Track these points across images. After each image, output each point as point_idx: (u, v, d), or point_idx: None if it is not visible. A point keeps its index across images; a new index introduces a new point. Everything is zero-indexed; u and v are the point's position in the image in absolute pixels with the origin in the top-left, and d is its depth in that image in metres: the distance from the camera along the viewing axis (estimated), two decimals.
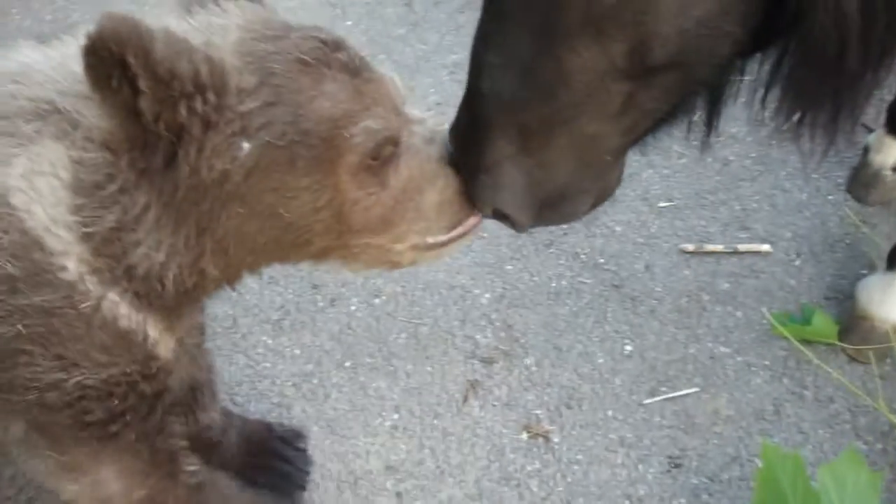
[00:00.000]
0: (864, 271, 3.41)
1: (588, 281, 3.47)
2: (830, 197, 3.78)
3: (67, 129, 1.67)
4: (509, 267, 3.52)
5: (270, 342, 3.28)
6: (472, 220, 2.05)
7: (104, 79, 1.51)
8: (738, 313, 3.33)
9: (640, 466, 2.88)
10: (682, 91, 1.85)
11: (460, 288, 3.44)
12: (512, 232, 3.50)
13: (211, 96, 1.61)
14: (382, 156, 1.82)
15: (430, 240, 1.99)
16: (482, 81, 1.83)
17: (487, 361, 3.19)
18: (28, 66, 1.75)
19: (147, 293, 1.83)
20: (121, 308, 1.81)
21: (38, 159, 1.66)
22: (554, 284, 3.45)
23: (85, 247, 1.71)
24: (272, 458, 2.84)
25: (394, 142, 1.84)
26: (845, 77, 1.79)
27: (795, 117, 1.95)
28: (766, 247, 3.56)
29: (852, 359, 3.14)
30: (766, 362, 3.17)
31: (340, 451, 2.95)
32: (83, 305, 1.75)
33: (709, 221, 3.68)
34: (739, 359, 3.19)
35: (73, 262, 1.71)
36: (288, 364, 3.21)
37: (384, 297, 3.41)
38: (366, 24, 4.85)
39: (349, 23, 4.87)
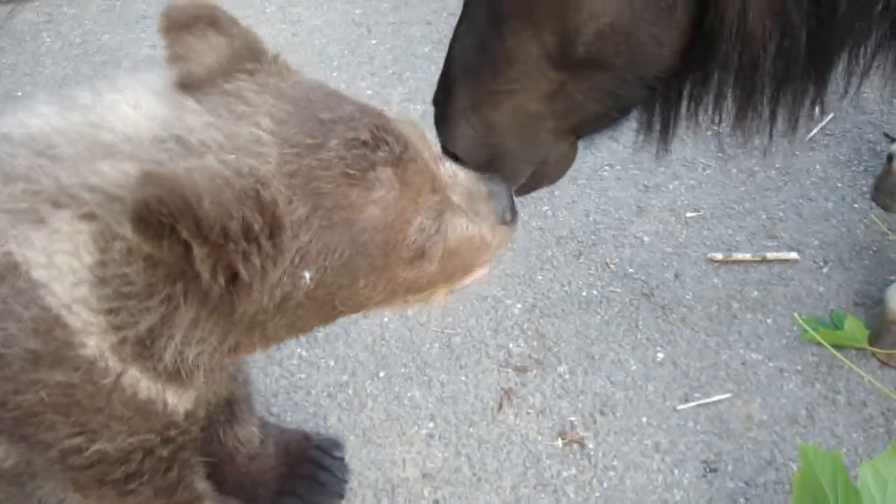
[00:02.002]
0: (893, 277, 3.42)
1: (618, 290, 3.50)
2: (856, 205, 3.81)
3: (94, 214, 1.60)
4: (540, 277, 3.55)
5: (305, 353, 3.31)
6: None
7: (155, 239, 1.45)
8: (769, 320, 3.35)
9: (675, 471, 2.89)
10: (612, 92, 2.03)
11: (492, 298, 3.47)
12: (542, 243, 3.58)
13: (266, 243, 1.56)
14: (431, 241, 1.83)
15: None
16: (452, 48, 2.13)
17: (521, 370, 3.21)
18: (53, 138, 1.66)
19: (172, 373, 1.81)
20: (141, 382, 1.79)
21: (58, 237, 1.62)
22: (584, 294, 3.48)
23: (109, 333, 1.69)
24: (310, 468, 2.85)
25: (440, 226, 1.83)
26: (765, 88, 2.01)
27: (738, 122, 2.12)
28: (793, 255, 3.58)
29: (884, 363, 3.16)
30: (798, 367, 3.19)
31: (377, 459, 2.97)
32: (103, 381, 1.73)
33: (736, 231, 3.71)
34: (771, 364, 3.20)
35: (93, 340, 1.68)
36: (322, 375, 3.24)
37: (416, 309, 3.43)
38: (391, 43, 4.91)
39: (374, 41, 4.94)
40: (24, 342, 1.64)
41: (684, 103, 2.17)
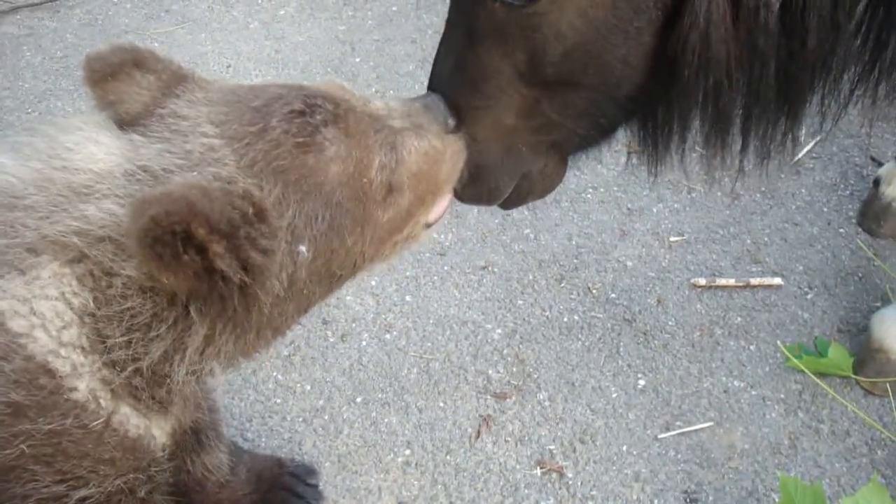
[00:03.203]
0: (878, 304, 3.39)
1: (600, 315, 3.45)
2: (842, 230, 3.77)
3: (78, 257, 1.62)
4: (521, 302, 3.50)
5: (281, 378, 3.26)
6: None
7: (173, 257, 1.48)
8: (752, 347, 3.31)
9: (655, 501, 2.85)
10: (585, 110, 2.06)
11: (472, 323, 3.42)
12: (523, 266, 3.54)
13: (262, 226, 1.60)
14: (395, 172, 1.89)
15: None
16: (434, 64, 2.16)
17: (500, 396, 3.16)
18: (21, 188, 1.66)
19: (160, 403, 1.82)
20: (131, 419, 1.78)
21: (38, 284, 1.61)
22: (566, 319, 3.43)
23: (104, 370, 1.68)
24: (284, 495, 2.81)
25: (396, 155, 1.90)
26: (732, 118, 2.02)
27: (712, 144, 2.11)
28: (778, 280, 3.54)
29: (868, 392, 3.11)
30: (781, 396, 3.14)
31: (352, 486, 2.91)
32: (93, 424, 1.70)
33: (720, 255, 3.67)
34: (754, 392, 3.16)
35: (84, 382, 1.66)
36: (298, 399, 3.19)
37: (395, 333, 3.39)
38: (374, 61, 4.87)
39: (358, 59, 4.90)
40: (4, 394, 1.60)
41: (658, 128, 2.15)
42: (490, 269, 3.64)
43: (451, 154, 2.03)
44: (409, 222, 1.99)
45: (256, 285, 1.63)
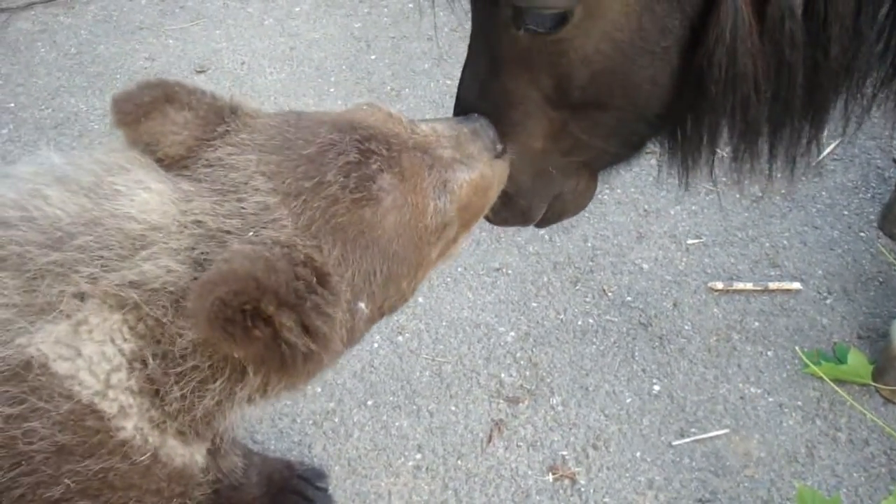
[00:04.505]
0: None
1: (615, 319, 3.40)
2: (862, 234, 3.71)
3: (129, 308, 1.57)
4: (534, 304, 3.46)
5: None
6: None
7: (242, 333, 1.45)
8: (769, 353, 3.26)
9: None
10: (615, 129, 2.04)
11: (485, 326, 3.38)
12: (538, 269, 3.49)
13: (325, 292, 1.56)
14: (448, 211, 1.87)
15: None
16: (459, 90, 2.14)
17: (512, 401, 3.12)
18: (69, 227, 1.59)
19: (210, 432, 1.80)
20: (177, 450, 1.75)
21: (86, 328, 1.56)
22: (580, 322, 3.39)
23: (153, 411, 1.65)
24: (294, 499, 2.78)
25: (449, 194, 1.86)
26: (760, 129, 2.01)
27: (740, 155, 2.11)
28: (796, 285, 3.49)
29: (887, 400, 3.06)
30: (799, 403, 3.09)
31: (362, 491, 2.88)
32: (140, 459, 1.67)
33: (738, 259, 3.61)
34: (771, 399, 3.11)
35: (131, 422, 1.63)
36: (309, 402, 3.15)
37: (407, 335, 3.35)
38: (390, 59, 4.83)
39: (373, 56, 4.86)
40: (50, 436, 1.55)
41: (687, 141, 2.11)
42: (504, 270, 3.60)
43: (498, 179, 2.01)
44: (453, 247, 1.98)
45: (321, 349, 1.58)
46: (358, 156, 1.68)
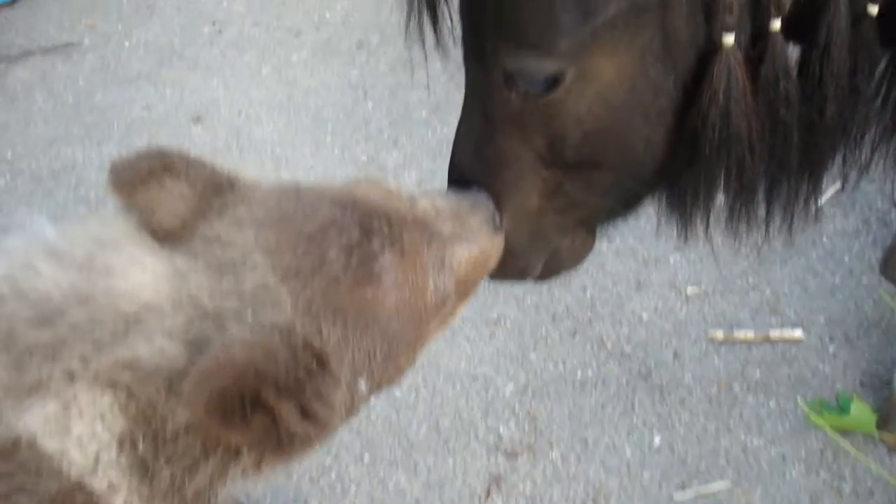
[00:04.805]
0: None
1: (615, 370, 3.37)
2: (864, 279, 3.68)
3: (118, 384, 1.52)
4: (533, 356, 3.43)
5: None
6: None
7: (240, 421, 1.42)
8: (771, 403, 3.22)
9: None
10: (610, 188, 2.02)
11: (483, 378, 3.35)
12: (536, 320, 3.47)
13: (325, 376, 1.53)
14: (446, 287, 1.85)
15: None
16: (454, 148, 2.10)
17: (511, 455, 3.09)
18: (59, 302, 1.55)
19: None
20: None
21: (75, 407, 1.52)
22: (580, 374, 3.36)
23: (142, 488, 1.60)
24: None
25: (448, 270, 1.84)
26: (756, 188, 1.97)
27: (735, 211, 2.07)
28: (798, 332, 3.45)
29: (892, 450, 3.02)
30: (802, 454, 3.05)
31: None
32: None
33: (738, 307, 3.58)
34: (773, 451, 3.07)
35: (120, 497, 1.58)
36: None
37: (404, 388, 3.32)
38: (387, 107, 4.82)
39: (370, 104, 4.85)
40: None
41: (684, 199, 2.09)
42: (502, 322, 3.57)
43: (496, 252, 1.99)
44: (450, 318, 1.95)
45: (319, 432, 1.55)
46: (360, 234, 1.65)
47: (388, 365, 1.71)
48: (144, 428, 1.54)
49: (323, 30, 5.46)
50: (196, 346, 1.51)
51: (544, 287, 3.70)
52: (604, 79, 1.78)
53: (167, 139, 4.72)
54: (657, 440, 3.12)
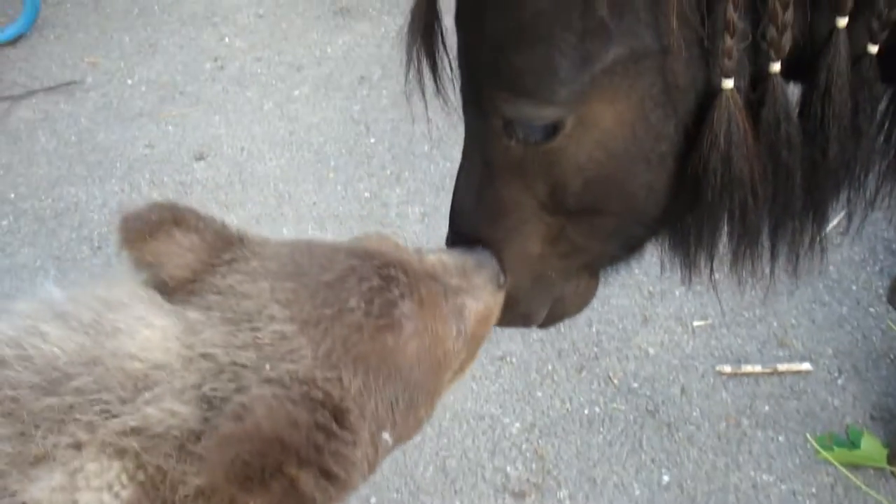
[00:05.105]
0: None
1: (622, 407, 3.34)
2: (872, 309, 3.66)
3: (126, 451, 1.48)
4: (539, 394, 3.40)
5: None
6: None
7: (260, 488, 1.40)
8: (781, 438, 3.19)
9: None
10: (613, 233, 2.00)
11: (489, 417, 3.32)
12: (542, 356, 3.44)
13: (343, 433, 1.51)
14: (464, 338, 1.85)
15: None
16: (455, 195, 2.09)
17: (519, 495, 3.06)
18: (67, 367, 1.52)
19: None
20: None
21: (81, 475, 1.47)
22: (587, 411, 3.33)
23: None
24: None
25: (464, 322, 1.85)
26: (761, 230, 1.96)
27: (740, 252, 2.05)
28: (806, 365, 3.43)
29: None
30: (813, 490, 3.02)
31: None
32: None
33: (745, 340, 3.56)
34: (784, 487, 3.04)
35: None
36: None
37: None
38: (389, 141, 4.82)
39: (373, 140, 4.85)
40: None
41: (687, 243, 2.08)
42: (508, 359, 3.55)
43: (499, 309, 2.00)
44: (461, 374, 1.94)
45: (338, 492, 1.53)
46: (380, 281, 1.65)
47: (410, 416, 1.69)
48: (153, 494, 1.50)
49: (324, 64, 5.47)
50: (210, 404, 1.49)
51: None
52: (604, 125, 1.77)
53: (170, 177, 4.72)
54: (666, 478, 3.09)
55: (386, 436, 1.63)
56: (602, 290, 3.71)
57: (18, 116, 5.32)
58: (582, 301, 2.30)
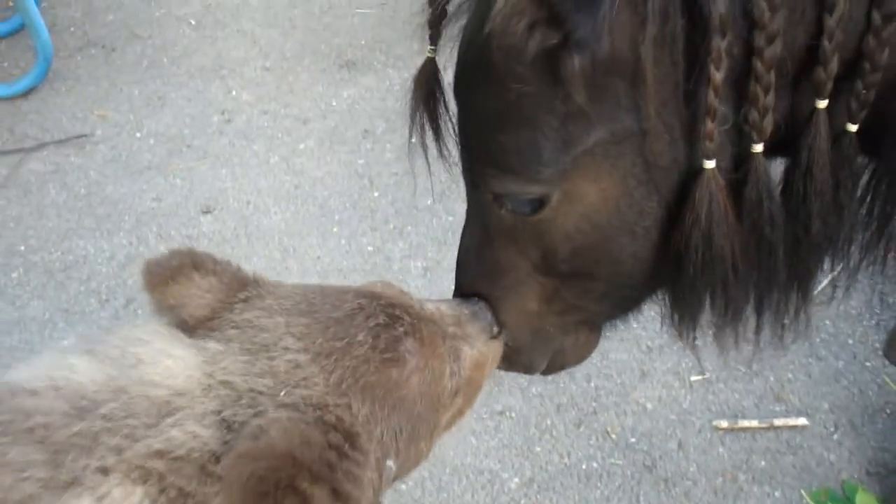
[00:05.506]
0: None
1: (619, 462, 3.38)
2: (868, 363, 3.69)
3: (153, 479, 1.56)
4: (538, 449, 3.44)
5: None
6: None
7: (272, 502, 1.47)
8: (777, 493, 3.23)
9: None
10: (605, 295, 2.06)
11: (488, 472, 3.36)
12: (541, 411, 3.48)
13: (355, 454, 1.60)
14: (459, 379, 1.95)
15: None
16: (459, 251, 2.19)
17: None
18: (95, 394, 1.62)
19: None
20: None
21: (107, 499, 1.54)
22: (585, 466, 3.37)
23: None
24: None
25: (460, 363, 1.95)
26: (743, 304, 2.01)
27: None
28: (802, 420, 3.46)
29: None
30: None
31: None
32: None
33: (742, 395, 3.60)
34: None
35: None
36: None
37: (410, 483, 3.34)
38: (393, 196, 4.88)
39: (376, 194, 4.91)
40: None
41: (675, 310, 2.13)
42: (507, 414, 3.59)
43: (492, 360, 2.09)
44: (458, 419, 2.04)
45: None
46: (386, 319, 1.76)
47: (411, 448, 1.79)
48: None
49: (330, 118, 5.54)
50: (229, 428, 1.58)
51: (548, 378, 3.72)
52: (588, 201, 1.84)
53: (177, 230, 4.78)
54: None
55: (390, 463, 1.73)
56: (601, 345, 3.73)
57: (29, 169, 5.39)
58: (582, 353, 2.37)
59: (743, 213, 1.81)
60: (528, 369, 2.30)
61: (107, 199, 5.09)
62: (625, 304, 2.17)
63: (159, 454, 1.55)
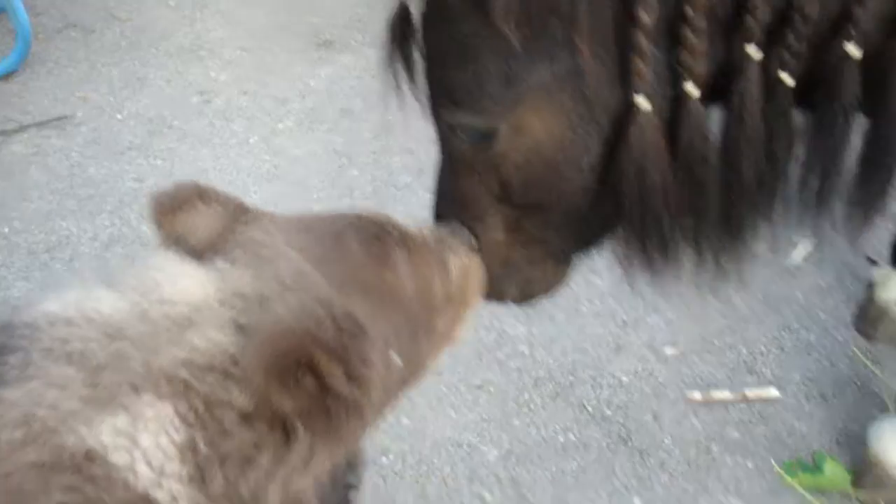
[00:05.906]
0: (877, 413, 3.37)
1: (596, 434, 3.45)
2: (839, 336, 3.77)
3: (180, 393, 1.63)
4: (516, 422, 3.50)
5: None
6: None
7: (295, 385, 1.56)
8: (749, 463, 3.30)
9: None
10: (564, 226, 2.18)
11: (468, 445, 3.43)
12: (519, 385, 3.55)
13: (364, 339, 1.68)
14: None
15: None
16: (434, 185, 2.37)
17: None
18: (121, 319, 1.70)
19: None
20: None
21: (141, 420, 1.61)
22: (561, 439, 3.43)
23: (199, 496, 1.67)
24: None
25: (447, 270, 2.05)
26: (677, 242, 2.09)
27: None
28: (774, 392, 3.54)
29: None
30: None
31: None
32: None
33: (715, 367, 3.67)
34: None
35: None
36: None
37: (392, 456, 3.40)
38: (371, 174, 4.93)
39: (355, 172, 4.95)
40: None
41: (622, 244, 2.20)
42: (486, 387, 3.65)
43: (477, 269, 2.19)
44: (455, 329, 2.12)
45: (364, 397, 1.68)
46: (376, 231, 1.88)
47: (412, 347, 1.89)
48: (202, 434, 1.63)
49: (308, 97, 5.58)
50: (246, 332, 1.66)
51: (526, 351, 3.79)
52: (534, 134, 1.97)
53: None
54: (638, 503, 3.19)
55: (395, 357, 1.82)
56: (576, 319, 3.84)
57: (11, 151, 5.41)
58: (550, 284, 2.45)
59: (677, 152, 1.92)
60: (499, 297, 2.39)
61: (89, 181, 5.11)
62: (583, 237, 2.27)
63: (185, 363, 1.63)
